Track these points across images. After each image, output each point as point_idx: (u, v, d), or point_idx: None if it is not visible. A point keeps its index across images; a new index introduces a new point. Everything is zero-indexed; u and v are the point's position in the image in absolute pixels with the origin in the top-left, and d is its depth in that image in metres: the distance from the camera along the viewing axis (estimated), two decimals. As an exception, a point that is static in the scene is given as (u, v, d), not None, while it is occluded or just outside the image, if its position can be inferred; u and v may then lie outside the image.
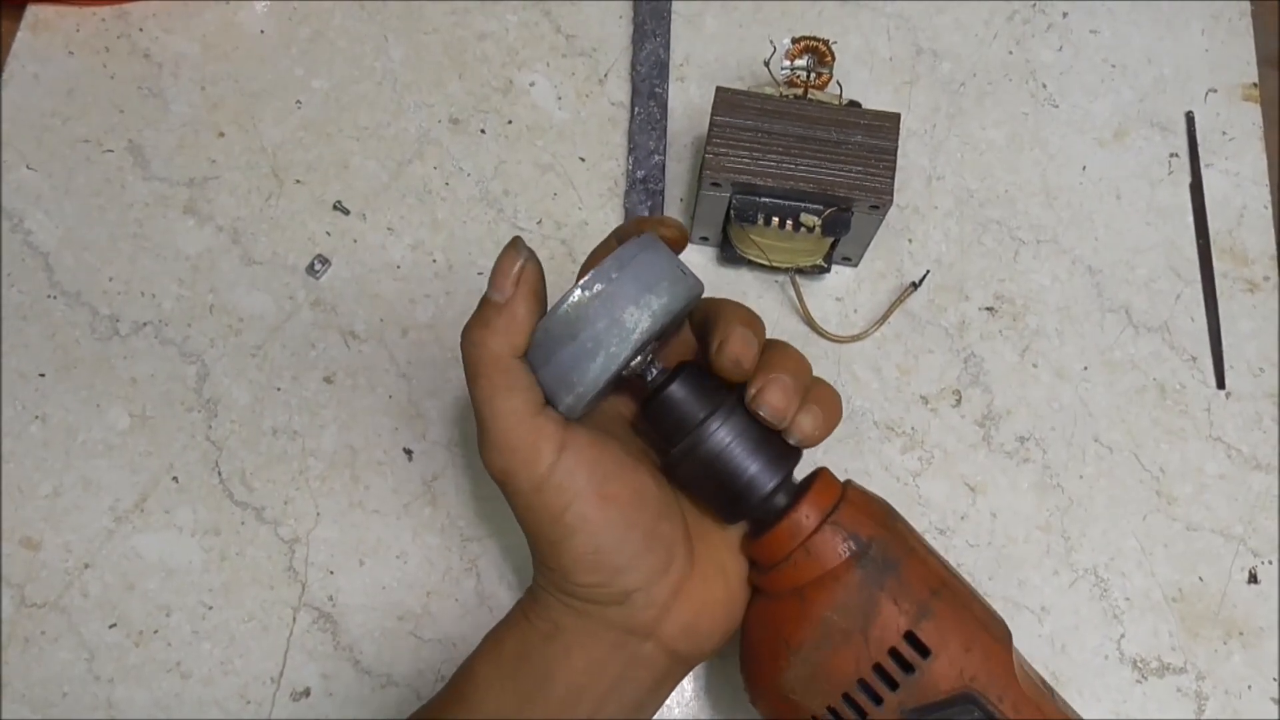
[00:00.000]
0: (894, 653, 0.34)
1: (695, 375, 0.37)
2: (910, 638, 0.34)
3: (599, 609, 0.36)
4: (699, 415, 0.36)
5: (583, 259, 0.56)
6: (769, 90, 0.53)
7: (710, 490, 0.37)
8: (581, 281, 0.35)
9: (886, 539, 0.36)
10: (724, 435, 0.36)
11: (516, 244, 0.35)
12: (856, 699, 0.34)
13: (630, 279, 0.34)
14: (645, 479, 0.37)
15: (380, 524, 0.51)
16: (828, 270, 0.55)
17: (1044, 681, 0.37)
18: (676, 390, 0.36)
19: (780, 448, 0.37)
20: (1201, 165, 0.61)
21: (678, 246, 0.37)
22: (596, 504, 0.35)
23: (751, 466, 0.36)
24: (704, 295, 0.38)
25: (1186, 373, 0.56)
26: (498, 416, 0.34)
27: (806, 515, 0.36)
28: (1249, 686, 0.51)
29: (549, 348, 0.35)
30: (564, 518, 0.35)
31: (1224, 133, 0.61)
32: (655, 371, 0.37)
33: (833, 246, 0.55)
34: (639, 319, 0.34)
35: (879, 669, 0.34)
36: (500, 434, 0.34)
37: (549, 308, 0.37)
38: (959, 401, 0.55)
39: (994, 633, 0.36)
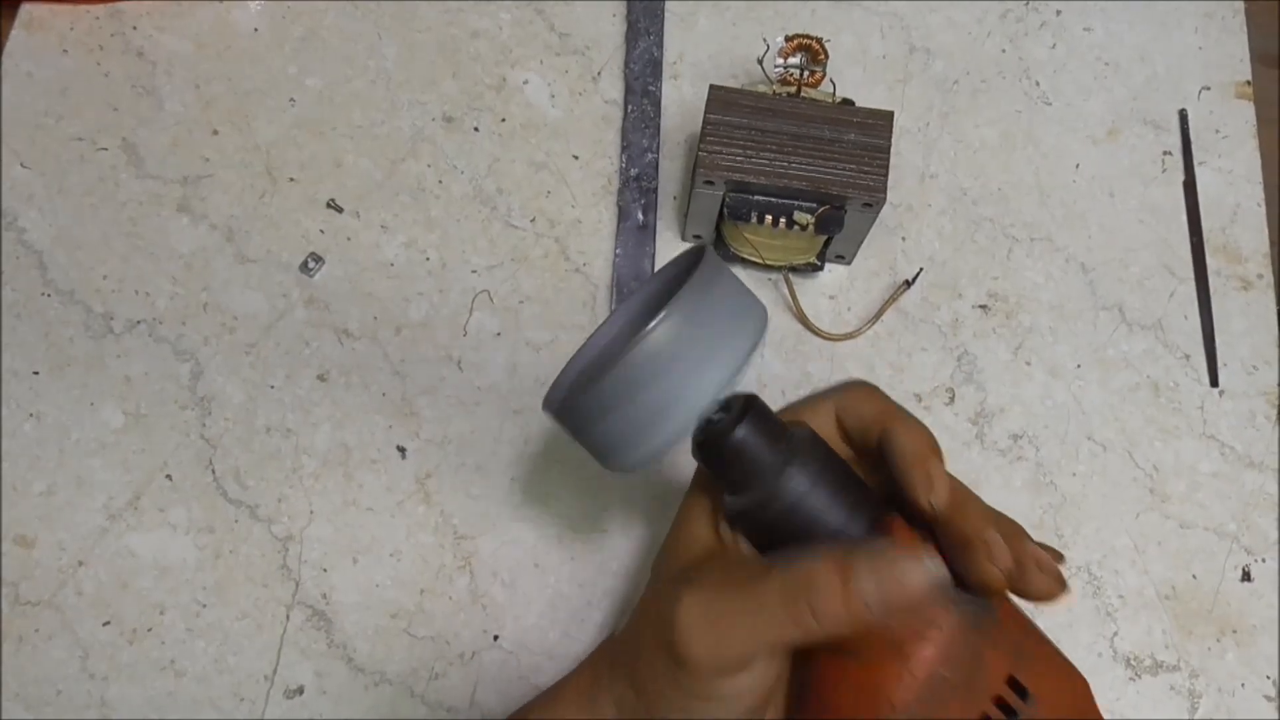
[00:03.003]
0: (998, 700, 0.32)
1: (762, 413, 0.33)
2: (1012, 682, 0.32)
3: None
4: (773, 460, 0.32)
5: (576, 256, 0.56)
6: (762, 88, 0.53)
7: (784, 541, 0.33)
8: (659, 320, 0.29)
9: None
10: (804, 483, 0.32)
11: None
12: None
13: (709, 317, 0.30)
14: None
15: (374, 522, 0.51)
16: (821, 268, 0.55)
17: None
18: (747, 434, 0.32)
19: (861, 491, 0.33)
20: (1195, 163, 0.61)
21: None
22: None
23: (835, 518, 0.32)
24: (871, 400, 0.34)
25: (1180, 371, 0.56)
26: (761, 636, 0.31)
27: None
28: (1242, 684, 0.51)
29: (614, 395, 0.30)
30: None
31: (1217, 130, 0.62)
32: (716, 411, 0.33)
33: (826, 244, 0.55)
34: (723, 368, 0.30)
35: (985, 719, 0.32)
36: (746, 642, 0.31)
37: (598, 339, 0.32)
38: (952, 399, 0.55)
39: (1074, 667, 0.34)
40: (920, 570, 0.30)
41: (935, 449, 0.33)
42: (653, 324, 0.29)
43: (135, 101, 0.58)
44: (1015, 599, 0.34)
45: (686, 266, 0.33)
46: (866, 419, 0.35)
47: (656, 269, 0.34)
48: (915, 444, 0.33)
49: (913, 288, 0.57)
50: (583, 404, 0.31)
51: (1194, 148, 0.61)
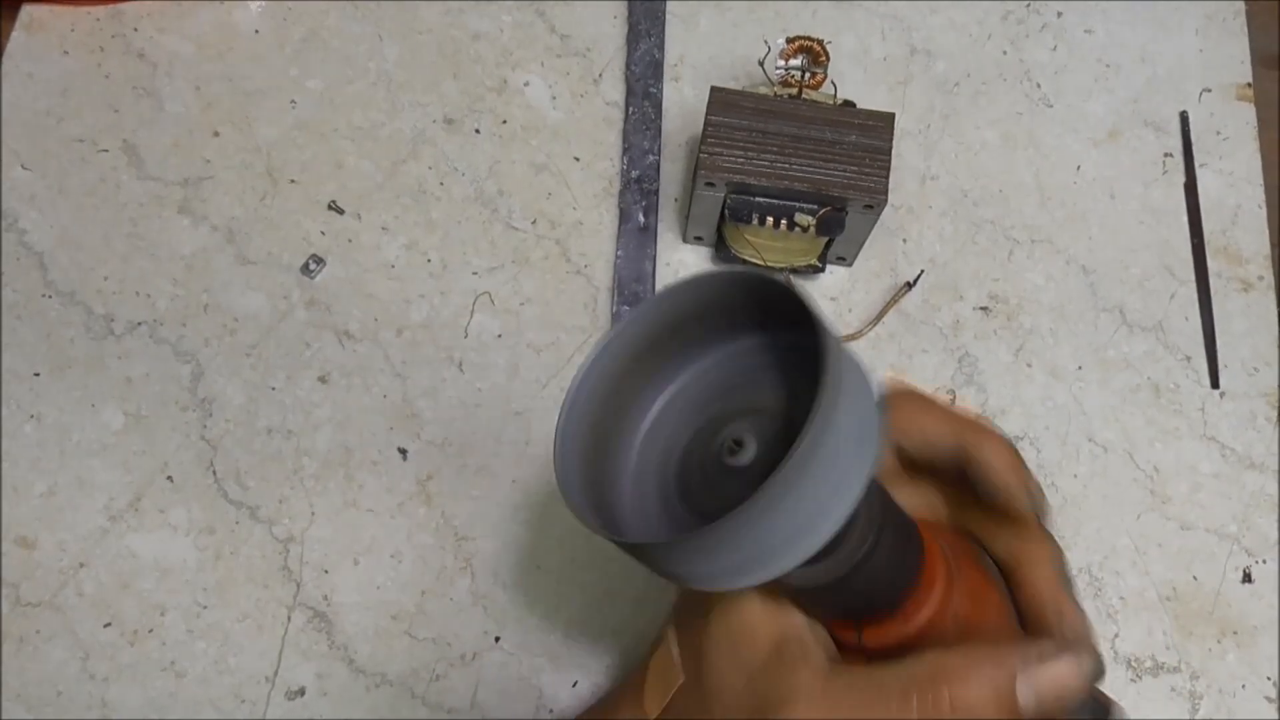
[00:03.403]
0: None
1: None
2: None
3: None
4: (859, 530, 0.29)
5: (577, 258, 0.56)
6: (764, 90, 0.53)
7: (841, 599, 0.30)
8: (813, 429, 0.23)
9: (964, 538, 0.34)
10: (888, 543, 0.29)
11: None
12: None
13: (852, 414, 0.25)
14: None
15: (374, 523, 0.51)
16: (822, 270, 0.55)
17: None
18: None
19: (906, 516, 0.31)
20: (1196, 165, 0.61)
21: None
22: None
23: (897, 562, 0.30)
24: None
25: (1181, 372, 0.56)
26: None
27: (940, 580, 0.31)
28: (1243, 686, 0.51)
29: (723, 539, 0.24)
30: None
31: (1218, 132, 0.62)
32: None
33: (827, 246, 0.55)
34: (859, 477, 0.25)
35: None
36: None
37: (587, 383, 0.28)
38: (953, 401, 0.55)
39: None
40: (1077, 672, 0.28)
41: (1020, 460, 0.32)
42: (799, 451, 0.23)
43: (136, 103, 0.58)
44: None
45: (737, 300, 0.28)
46: (933, 440, 0.32)
47: (669, 284, 0.28)
48: (1004, 462, 0.31)
49: (914, 289, 0.57)
50: (673, 549, 0.25)
51: (1195, 149, 0.61)
